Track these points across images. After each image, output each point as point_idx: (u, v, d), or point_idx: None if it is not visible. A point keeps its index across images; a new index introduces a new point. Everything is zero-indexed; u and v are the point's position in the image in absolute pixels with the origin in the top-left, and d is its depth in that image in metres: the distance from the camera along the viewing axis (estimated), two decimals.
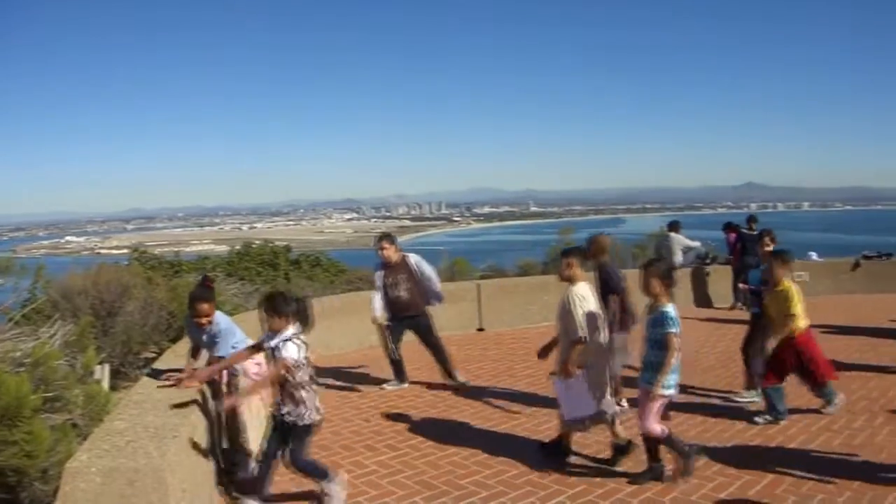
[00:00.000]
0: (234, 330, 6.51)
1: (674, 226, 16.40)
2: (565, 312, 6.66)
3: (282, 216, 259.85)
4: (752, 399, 8.46)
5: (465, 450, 7.20)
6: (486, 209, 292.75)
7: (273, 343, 5.49)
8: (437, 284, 9.70)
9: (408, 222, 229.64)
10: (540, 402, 8.72)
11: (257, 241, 24.86)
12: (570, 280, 6.74)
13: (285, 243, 25.53)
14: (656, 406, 6.20)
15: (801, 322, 7.78)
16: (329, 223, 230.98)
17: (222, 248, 53.41)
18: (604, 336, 6.72)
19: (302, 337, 5.53)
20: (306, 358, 5.53)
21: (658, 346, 6.17)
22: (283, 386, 5.51)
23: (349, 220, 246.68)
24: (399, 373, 9.76)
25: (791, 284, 7.81)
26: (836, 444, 7.14)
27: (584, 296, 6.64)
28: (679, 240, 15.84)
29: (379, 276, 9.50)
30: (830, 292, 16.86)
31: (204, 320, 6.32)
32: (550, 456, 6.88)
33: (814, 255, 19.12)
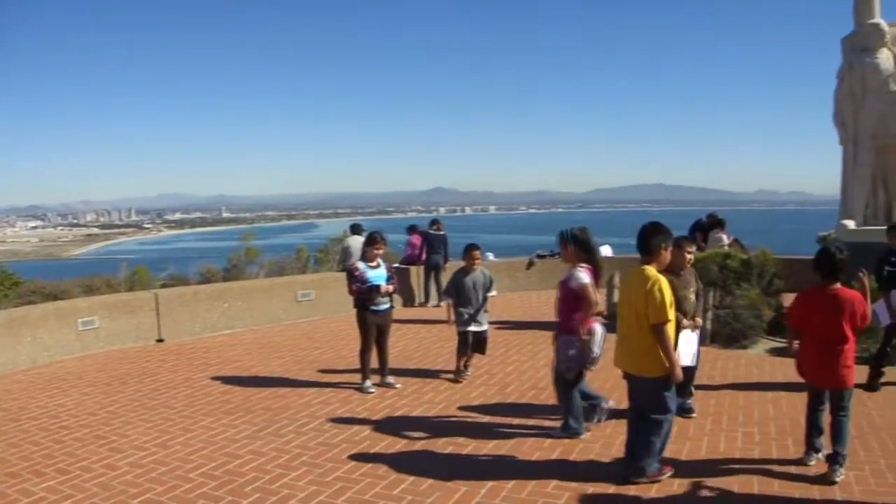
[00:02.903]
0: None
1: (356, 229, 16.76)
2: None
3: None
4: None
5: (137, 468, 6.87)
6: (178, 215, 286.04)
7: None
8: None
9: (96, 230, 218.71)
10: (221, 413, 8.58)
11: None
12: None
13: None
14: None
15: None
16: (12, 232, 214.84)
17: None
18: None
19: None
20: None
21: None
22: None
23: (34, 228, 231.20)
24: None
25: None
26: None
27: None
28: (360, 242, 16.18)
29: None
30: (508, 290, 17.96)
31: None
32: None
33: (490, 256, 20.15)
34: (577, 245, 7.53)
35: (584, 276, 7.35)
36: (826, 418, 6.48)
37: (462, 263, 10.05)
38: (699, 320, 7.97)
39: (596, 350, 7.35)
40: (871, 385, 9.17)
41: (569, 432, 7.45)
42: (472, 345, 9.82)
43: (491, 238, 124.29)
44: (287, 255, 24.28)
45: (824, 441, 6.57)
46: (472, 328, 9.76)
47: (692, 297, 7.81)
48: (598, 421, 7.73)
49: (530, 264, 19.10)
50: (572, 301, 7.39)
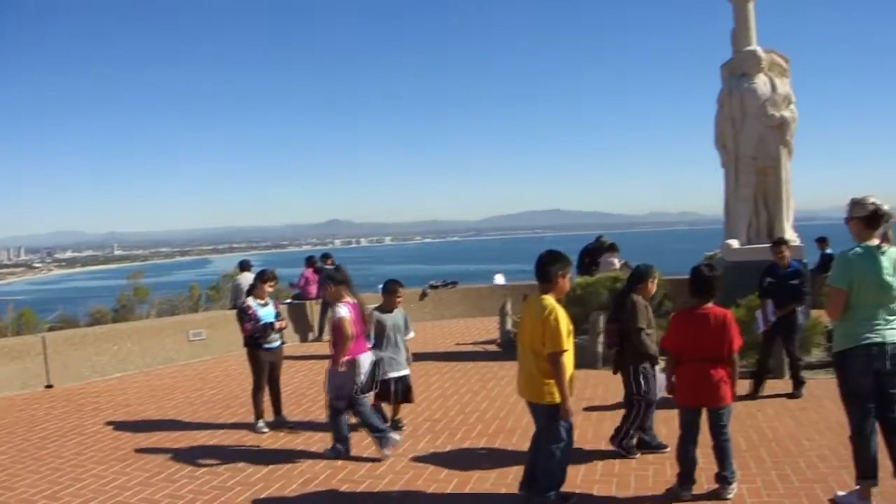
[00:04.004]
0: None
1: (245, 266, 16.59)
2: None
3: None
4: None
5: None
6: (69, 254, 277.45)
7: None
8: None
9: None
10: (112, 460, 8.34)
11: None
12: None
13: None
14: None
15: None
16: None
17: None
18: None
19: None
20: None
21: None
22: None
23: None
24: None
25: None
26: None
27: None
28: (250, 279, 16.04)
29: None
30: None
31: None
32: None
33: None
34: (337, 283, 8.41)
35: (341, 310, 8.02)
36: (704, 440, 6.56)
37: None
38: None
39: (362, 378, 7.88)
40: (754, 395, 9.75)
41: (336, 454, 8.00)
42: (397, 393, 8.93)
43: (386, 269, 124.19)
44: (179, 294, 23.90)
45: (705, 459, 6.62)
46: (394, 374, 8.84)
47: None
48: (387, 452, 7.90)
49: (423, 295, 19.10)
50: (336, 335, 8.04)
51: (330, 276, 8.70)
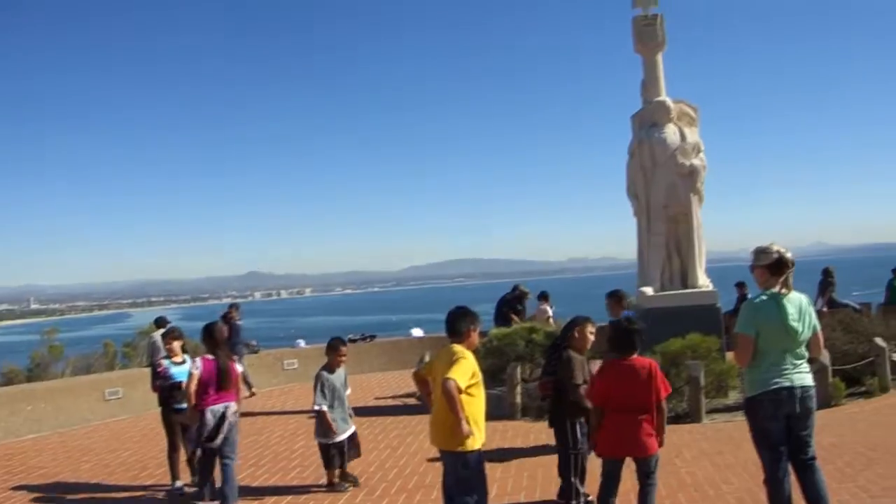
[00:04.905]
0: None
1: (160, 322, 16.21)
2: None
3: None
4: None
5: None
6: None
7: None
8: None
9: None
10: None
11: None
12: None
13: None
14: None
15: None
16: None
17: None
18: None
19: None
20: None
21: None
22: None
23: None
24: None
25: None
26: None
27: None
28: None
29: None
30: None
31: None
32: None
33: (301, 343, 19.86)
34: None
35: (191, 367, 8.17)
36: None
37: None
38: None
39: (205, 431, 7.88)
40: None
41: (199, 498, 8.15)
42: (350, 452, 8.73)
43: (307, 321, 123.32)
44: (95, 351, 23.29)
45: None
46: (345, 436, 8.64)
47: None
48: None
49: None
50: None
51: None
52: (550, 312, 16.10)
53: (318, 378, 8.68)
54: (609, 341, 6.64)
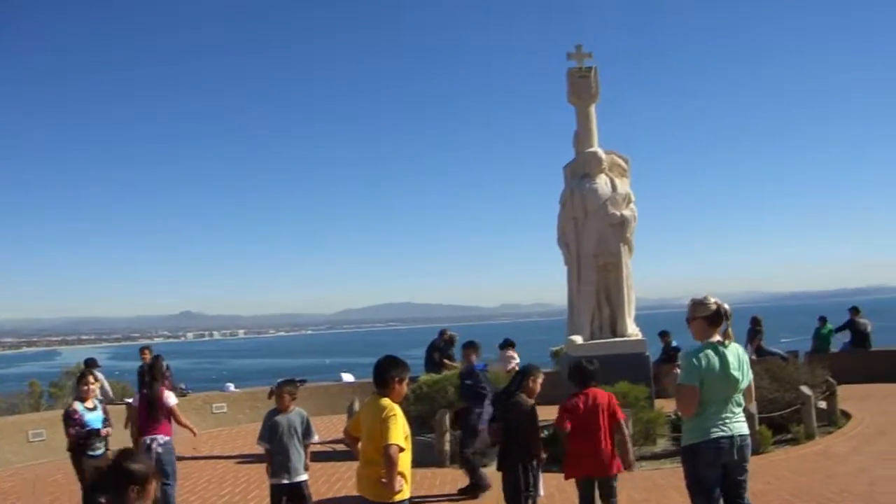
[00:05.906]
0: None
1: (90, 363, 15.92)
2: None
3: None
4: None
5: None
6: None
7: None
8: None
9: None
10: None
11: None
12: None
13: None
14: None
15: None
16: None
17: None
18: None
19: None
20: None
21: None
22: None
23: None
24: None
25: None
26: None
27: None
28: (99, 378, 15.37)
29: None
30: (250, 421, 17.36)
31: None
32: None
33: (231, 386, 19.63)
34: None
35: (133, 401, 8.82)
36: None
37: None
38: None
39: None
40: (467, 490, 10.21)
41: None
42: (290, 501, 8.34)
43: (240, 363, 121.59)
44: (20, 390, 22.69)
45: None
46: (287, 480, 8.26)
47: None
48: None
49: (271, 393, 18.59)
50: None
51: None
52: (516, 361, 16.07)
53: (264, 419, 8.57)
54: (570, 377, 7.62)
